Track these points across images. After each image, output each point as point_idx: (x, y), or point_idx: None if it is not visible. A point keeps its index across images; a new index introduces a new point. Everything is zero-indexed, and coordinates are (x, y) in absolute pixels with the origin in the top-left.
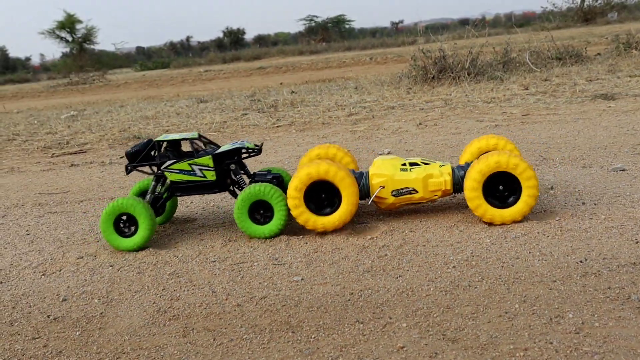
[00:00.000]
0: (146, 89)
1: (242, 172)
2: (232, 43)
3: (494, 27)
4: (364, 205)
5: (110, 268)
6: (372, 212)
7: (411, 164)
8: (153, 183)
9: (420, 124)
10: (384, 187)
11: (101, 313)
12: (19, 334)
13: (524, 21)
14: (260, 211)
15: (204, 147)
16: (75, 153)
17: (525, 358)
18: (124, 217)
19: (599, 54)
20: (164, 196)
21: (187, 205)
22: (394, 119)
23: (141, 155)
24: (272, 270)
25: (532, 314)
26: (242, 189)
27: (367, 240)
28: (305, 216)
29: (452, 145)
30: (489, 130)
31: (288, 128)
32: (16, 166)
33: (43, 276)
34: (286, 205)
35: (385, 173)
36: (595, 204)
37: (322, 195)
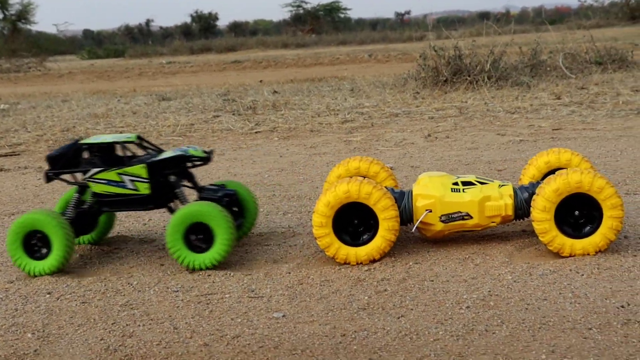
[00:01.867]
0: (95, 81)
1: (190, 184)
2: (202, 30)
3: (520, 23)
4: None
5: (48, 296)
6: None
7: (464, 183)
8: (76, 194)
9: (429, 135)
10: (430, 211)
11: (35, 350)
12: None
13: (557, 17)
14: (199, 236)
15: (142, 152)
16: (6, 155)
17: None
18: (38, 236)
19: None
20: (93, 209)
21: (144, 222)
22: (398, 128)
23: (63, 160)
24: (248, 304)
25: None
26: (184, 204)
27: (363, 272)
28: (335, 247)
29: (467, 163)
30: (512, 147)
31: (269, 135)
32: None
33: None
34: (231, 229)
35: (434, 194)
36: None
37: (355, 221)
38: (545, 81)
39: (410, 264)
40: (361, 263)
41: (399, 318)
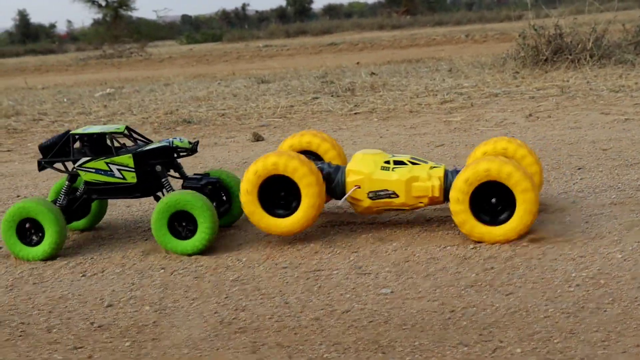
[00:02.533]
0: (194, 65)
1: (175, 174)
2: (297, 13)
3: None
4: None
5: (162, 271)
6: None
7: (396, 162)
8: (67, 182)
9: (530, 115)
10: (359, 187)
11: (154, 322)
12: (58, 343)
13: None
14: (182, 223)
15: (130, 143)
16: None
17: None
18: (28, 224)
19: None
20: (84, 197)
21: None
22: (498, 108)
23: (54, 149)
24: (355, 281)
25: None
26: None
27: (469, 250)
28: (257, 217)
29: (570, 142)
30: (617, 126)
31: (368, 116)
32: None
33: (83, 277)
34: (212, 216)
35: (363, 170)
36: None
37: (281, 194)
38: None
39: (516, 242)
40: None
41: (507, 295)
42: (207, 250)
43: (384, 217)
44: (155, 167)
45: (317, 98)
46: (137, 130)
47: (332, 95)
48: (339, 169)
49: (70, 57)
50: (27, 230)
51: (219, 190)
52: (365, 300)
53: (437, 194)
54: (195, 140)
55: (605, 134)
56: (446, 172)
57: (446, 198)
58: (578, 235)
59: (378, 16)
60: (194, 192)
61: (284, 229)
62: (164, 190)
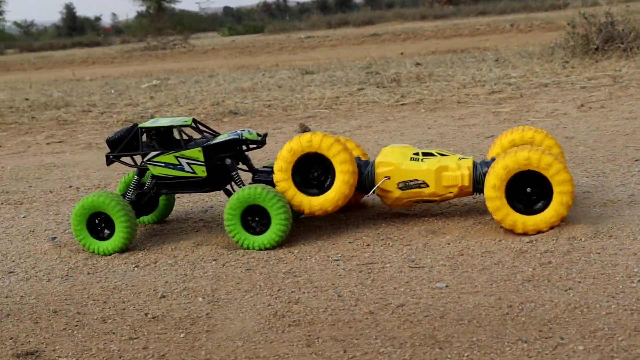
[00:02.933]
0: (237, 56)
1: (246, 166)
2: (338, 4)
3: None
4: None
5: (214, 262)
6: None
7: (425, 154)
8: (136, 177)
9: (582, 105)
10: (389, 178)
11: (207, 314)
12: (113, 333)
13: None
14: (255, 218)
15: (198, 136)
16: None
17: None
18: (99, 217)
19: None
20: (152, 191)
21: None
22: (548, 99)
23: (123, 143)
24: (409, 274)
25: None
26: (240, 187)
27: (525, 244)
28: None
29: (626, 133)
30: None
31: (415, 107)
32: (94, 141)
33: (136, 268)
34: (287, 210)
35: (393, 161)
36: None
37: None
38: None
39: (574, 236)
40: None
41: (566, 290)
42: (282, 243)
43: (436, 210)
44: (225, 160)
45: (362, 89)
46: (201, 124)
47: (377, 86)
48: (368, 163)
49: (115, 50)
50: (98, 224)
51: None
52: (420, 294)
53: (466, 183)
54: (265, 132)
55: None
56: (474, 163)
57: (475, 189)
58: (638, 229)
59: (420, 6)
60: (267, 186)
61: (317, 207)
62: (234, 183)
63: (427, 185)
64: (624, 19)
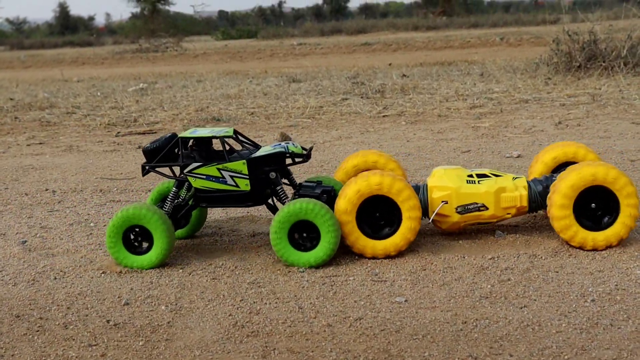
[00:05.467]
0: (228, 62)
1: (287, 181)
2: (333, 12)
3: None
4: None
5: (181, 271)
6: (503, 226)
7: (479, 175)
8: (174, 189)
9: (559, 122)
10: (446, 203)
11: (168, 322)
12: (73, 339)
13: None
14: (303, 234)
15: (239, 147)
16: (143, 133)
17: None
18: (136, 230)
19: None
20: (189, 204)
21: None
22: (527, 115)
23: (162, 153)
24: (371, 288)
25: None
26: (283, 202)
27: (487, 261)
28: (361, 242)
29: (598, 152)
30: None
31: (397, 119)
32: (75, 144)
33: (103, 275)
34: (336, 225)
35: (449, 185)
36: None
37: (377, 215)
38: None
39: (535, 253)
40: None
41: (521, 308)
42: (330, 260)
43: None
44: (269, 173)
45: (346, 99)
46: (242, 133)
47: (361, 97)
48: (418, 187)
49: (107, 50)
50: (135, 237)
51: (333, 199)
52: (379, 308)
53: (524, 203)
54: (310, 146)
55: (634, 145)
56: (528, 182)
57: (531, 208)
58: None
59: (414, 16)
60: (316, 200)
61: (380, 251)
62: (277, 198)
63: (487, 208)
64: (606, 38)
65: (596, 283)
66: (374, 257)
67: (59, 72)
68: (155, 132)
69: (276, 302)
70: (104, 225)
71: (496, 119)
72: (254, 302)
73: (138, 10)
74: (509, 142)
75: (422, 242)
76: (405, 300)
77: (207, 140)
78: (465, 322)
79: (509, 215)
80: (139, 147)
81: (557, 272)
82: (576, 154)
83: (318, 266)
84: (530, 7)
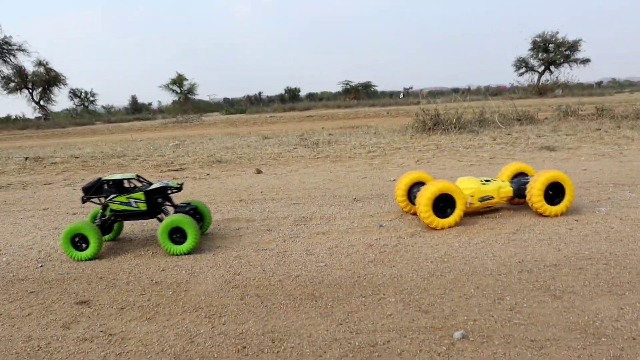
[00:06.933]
0: (228, 127)
1: (169, 203)
2: (291, 98)
3: (475, 94)
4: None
5: (192, 257)
6: (384, 220)
7: (486, 180)
8: (101, 210)
9: (417, 160)
10: (473, 196)
11: (186, 280)
12: (132, 291)
13: (497, 92)
14: (178, 234)
15: (139, 184)
16: (176, 170)
17: (474, 325)
18: (79, 236)
19: (546, 118)
20: (111, 219)
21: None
22: (400, 156)
23: (92, 189)
24: (305, 258)
25: (482, 297)
26: (166, 215)
27: (373, 240)
28: (430, 220)
29: (439, 177)
30: (467, 169)
31: (325, 159)
32: None
33: (140, 256)
34: (196, 230)
35: (472, 186)
36: (535, 223)
37: (440, 204)
38: (487, 130)
39: (402, 236)
40: (443, 228)
41: (391, 267)
42: (193, 250)
43: (328, 217)
44: (157, 199)
45: (295, 148)
46: (143, 176)
47: (305, 147)
48: None
49: (158, 122)
50: (78, 240)
51: (197, 213)
52: (310, 269)
53: (511, 194)
54: (182, 182)
55: (459, 172)
56: (509, 184)
57: (512, 197)
58: (440, 234)
59: (338, 100)
60: (185, 215)
61: (445, 224)
62: (163, 214)
63: (493, 198)
64: (444, 112)
65: (434, 251)
66: (442, 228)
67: (129, 136)
68: (184, 169)
69: (250, 268)
70: (108, 240)
71: (382, 159)
72: (237, 268)
73: (177, 98)
74: (389, 172)
75: (336, 230)
76: (325, 265)
77: (120, 181)
78: (359, 277)
79: (503, 201)
80: (174, 178)
81: (412, 246)
82: (525, 168)
83: (188, 253)
84: (404, 95)
